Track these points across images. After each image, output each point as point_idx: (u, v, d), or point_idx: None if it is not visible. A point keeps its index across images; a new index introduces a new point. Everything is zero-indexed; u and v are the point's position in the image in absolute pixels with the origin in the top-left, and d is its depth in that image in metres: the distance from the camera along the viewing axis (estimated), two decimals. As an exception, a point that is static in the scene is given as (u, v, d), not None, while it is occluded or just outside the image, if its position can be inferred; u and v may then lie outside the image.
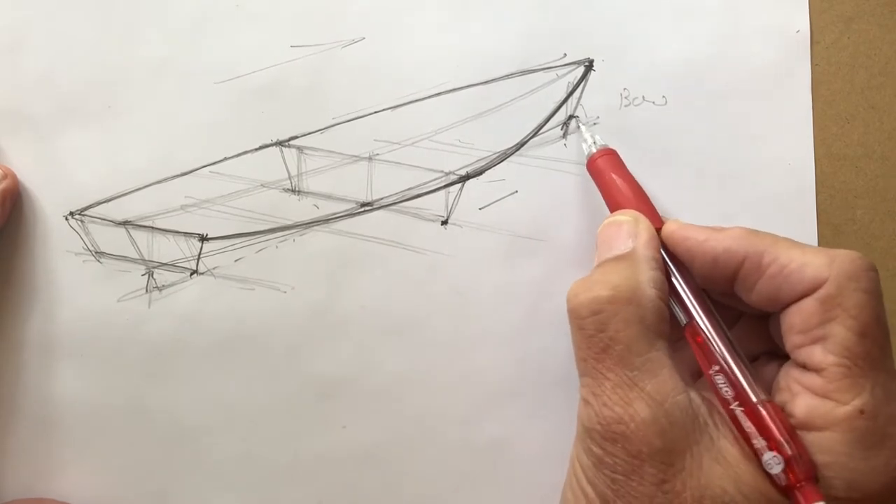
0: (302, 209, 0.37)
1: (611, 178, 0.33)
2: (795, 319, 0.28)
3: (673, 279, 0.31)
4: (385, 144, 0.37)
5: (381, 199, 0.37)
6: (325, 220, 0.37)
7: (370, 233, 0.37)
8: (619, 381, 0.28)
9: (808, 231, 0.37)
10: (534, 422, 0.36)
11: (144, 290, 0.37)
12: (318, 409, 0.36)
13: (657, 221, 0.32)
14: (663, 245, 0.31)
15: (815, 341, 0.27)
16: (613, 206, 0.33)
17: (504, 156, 0.37)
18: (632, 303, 0.28)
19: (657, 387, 0.27)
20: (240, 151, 0.37)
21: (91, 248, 0.37)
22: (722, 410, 0.28)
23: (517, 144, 0.37)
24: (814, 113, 0.37)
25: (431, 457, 0.36)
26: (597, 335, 0.28)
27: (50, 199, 0.37)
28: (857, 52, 0.37)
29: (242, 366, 0.37)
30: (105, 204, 0.37)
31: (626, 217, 0.31)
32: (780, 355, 0.30)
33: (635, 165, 0.37)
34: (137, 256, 0.37)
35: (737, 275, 0.29)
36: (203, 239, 0.37)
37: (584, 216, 0.37)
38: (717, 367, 0.28)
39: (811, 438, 0.26)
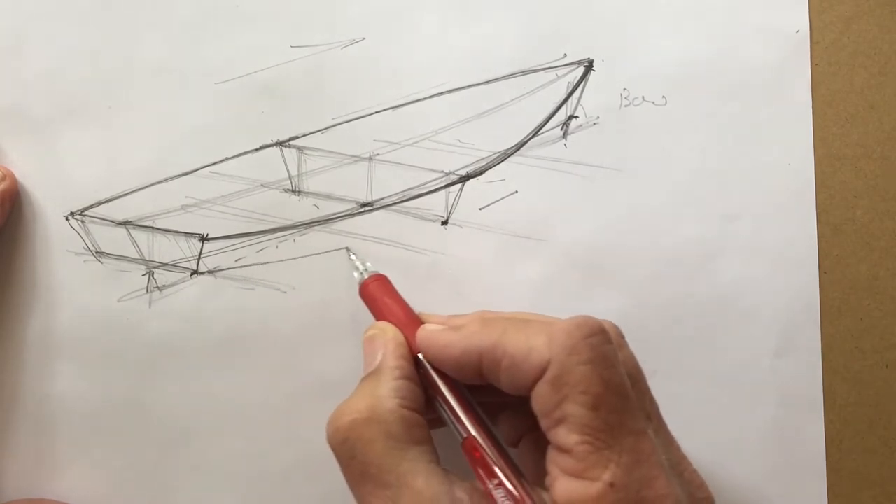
0: (302, 209, 0.37)
1: (382, 302, 0.33)
2: (537, 404, 0.27)
3: (442, 389, 0.31)
4: (385, 144, 0.37)
5: (382, 199, 0.37)
6: (325, 220, 0.37)
7: (370, 233, 0.37)
8: None
9: (808, 231, 0.37)
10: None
11: (145, 290, 0.37)
12: (318, 409, 0.36)
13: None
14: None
15: (557, 423, 0.26)
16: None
17: (504, 156, 0.37)
18: (372, 421, 0.28)
19: (413, 499, 0.27)
20: (240, 151, 0.37)
21: (91, 248, 0.37)
22: None
23: (517, 144, 0.37)
24: (814, 113, 0.37)
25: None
26: (351, 463, 0.28)
27: (50, 199, 0.37)
28: (857, 52, 0.37)
29: (242, 366, 0.37)
30: (105, 204, 0.37)
31: (374, 330, 0.32)
32: None
33: (635, 165, 0.37)
34: (138, 256, 0.37)
35: (481, 372, 0.29)
36: (203, 239, 0.37)
37: (584, 216, 0.37)
38: (496, 482, 0.28)
39: None
